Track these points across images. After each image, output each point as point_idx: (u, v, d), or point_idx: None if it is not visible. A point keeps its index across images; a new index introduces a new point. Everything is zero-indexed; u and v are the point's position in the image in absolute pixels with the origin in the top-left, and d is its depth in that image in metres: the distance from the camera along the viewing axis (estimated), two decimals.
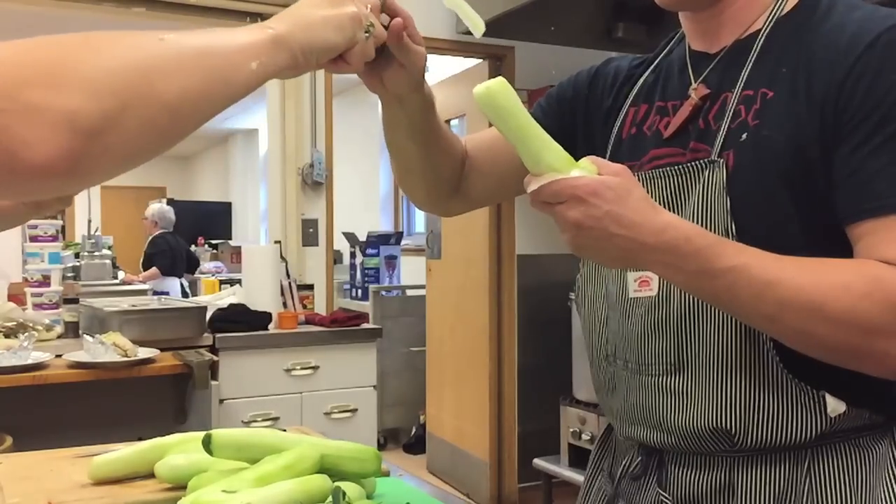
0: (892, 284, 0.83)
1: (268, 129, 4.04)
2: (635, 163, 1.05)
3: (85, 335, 2.88)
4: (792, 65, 0.93)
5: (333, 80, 3.99)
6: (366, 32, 0.89)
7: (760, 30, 0.98)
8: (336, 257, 4.88)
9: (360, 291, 5.59)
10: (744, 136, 0.94)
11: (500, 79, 0.86)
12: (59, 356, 2.79)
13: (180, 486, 1.16)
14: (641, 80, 1.12)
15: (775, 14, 0.98)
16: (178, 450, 1.23)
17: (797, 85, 0.92)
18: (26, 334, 2.79)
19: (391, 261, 5.59)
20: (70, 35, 0.58)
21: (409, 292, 5.47)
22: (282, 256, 3.68)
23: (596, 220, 0.82)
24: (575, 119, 1.20)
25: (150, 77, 0.59)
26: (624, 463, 1.09)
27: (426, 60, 1.03)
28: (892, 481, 0.93)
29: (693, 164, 0.97)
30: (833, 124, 0.89)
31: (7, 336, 2.88)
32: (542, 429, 3.88)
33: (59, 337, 3.09)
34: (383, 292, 5.35)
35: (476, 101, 0.86)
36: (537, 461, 3.67)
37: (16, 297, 3.23)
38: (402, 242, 6.00)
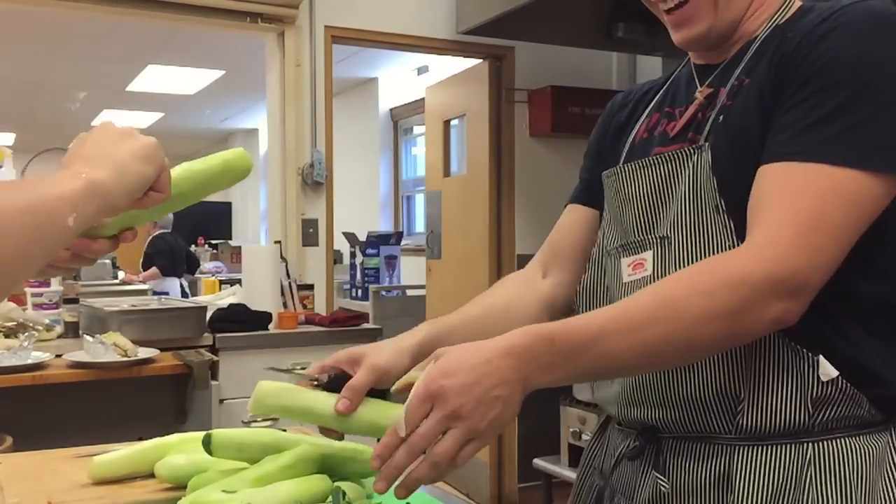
0: (728, 268, 0.87)
1: (268, 129, 4.04)
2: (638, 160, 1.09)
3: (85, 335, 2.88)
4: (770, 55, 0.99)
5: (333, 81, 3.99)
6: None
7: (758, 36, 1.04)
8: (336, 257, 4.88)
9: (360, 291, 5.59)
10: (720, 117, 0.99)
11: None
12: (59, 356, 2.78)
13: (180, 486, 1.16)
14: (658, 95, 1.17)
15: (775, 21, 1.04)
16: (178, 450, 1.23)
17: (766, 67, 0.98)
18: (26, 334, 2.79)
19: (391, 261, 5.59)
20: None
21: (409, 292, 5.47)
22: (282, 256, 3.67)
23: (461, 399, 0.82)
24: (610, 154, 1.21)
25: None
26: (620, 450, 1.09)
27: None
28: (891, 475, 0.94)
29: (681, 150, 1.01)
30: (779, 86, 0.94)
31: (7, 336, 2.88)
32: (542, 429, 3.88)
33: (59, 337, 3.09)
34: (383, 292, 5.35)
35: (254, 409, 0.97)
36: (537, 461, 3.67)
37: (16, 297, 3.23)
38: (402, 242, 6.00)
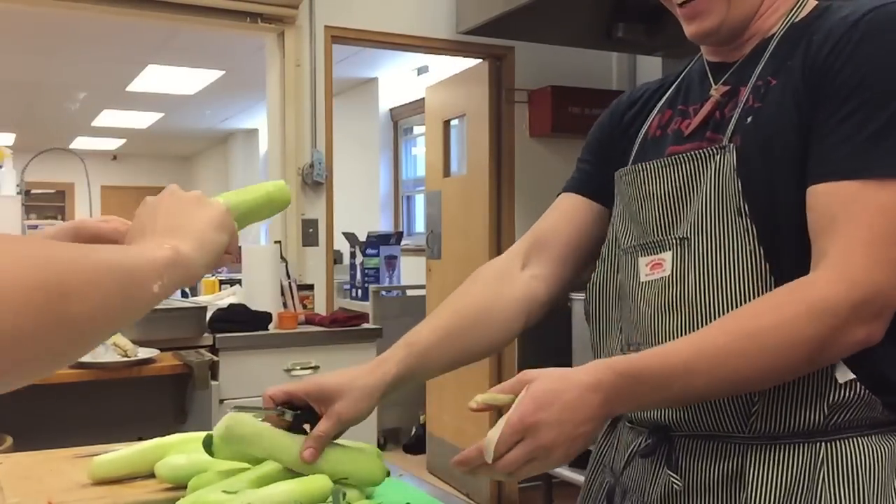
0: (809, 296, 0.87)
1: (268, 129, 4.04)
2: (657, 159, 1.08)
3: None
4: (794, 56, 0.98)
5: (333, 81, 3.99)
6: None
7: (775, 34, 1.04)
8: (336, 257, 4.88)
9: (360, 291, 5.59)
10: (748, 119, 0.99)
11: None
12: None
13: (180, 486, 1.16)
14: (668, 92, 1.17)
15: (790, 20, 1.04)
16: (178, 450, 1.23)
17: (795, 69, 0.97)
18: None
19: (391, 261, 5.58)
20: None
21: (409, 292, 5.47)
22: (282, 256, 3.67)
23: (552, 434, 0.84)
24: (610, 155, 1.21)
25: (55, 298, 0.55)
26: (631, 448, 1.09)
27: (346, 415, 1.05)
28: None
29: (703, 150, 1.01)
30: (815, 97, 0.93)
31: None
32: None
33: None
34: (383, 292, 5.35)
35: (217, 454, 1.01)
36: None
37: None
38: (402, 242, 5.99)
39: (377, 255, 5.55)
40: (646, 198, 1.07)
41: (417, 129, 6.94)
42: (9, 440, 2.40)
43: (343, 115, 5.83)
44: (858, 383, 0.92)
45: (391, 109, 7.20)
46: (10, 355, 0.52)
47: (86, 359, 2.71)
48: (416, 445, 5.19)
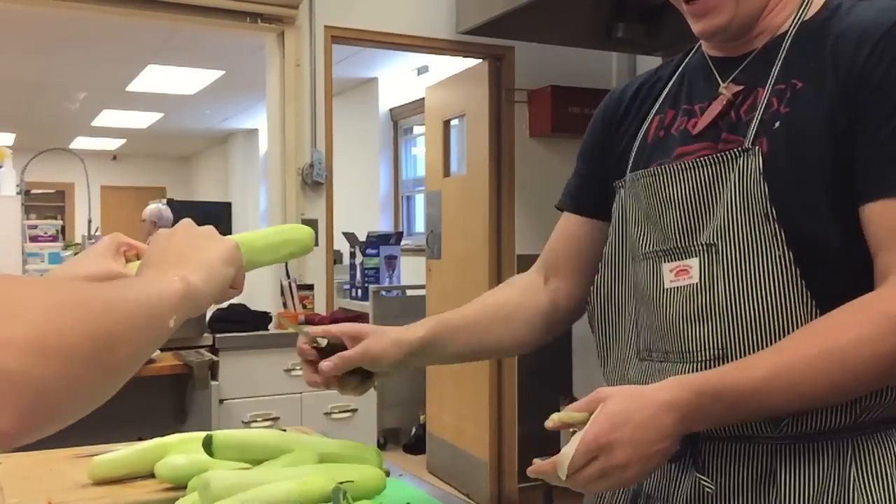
0: (889, 311, 0.87)
1: (268, 129, 4.04)
2: (663, 161, 1.07)
3: None
4: (818, 58, 0.97)
5: (333, 81, 3.99)
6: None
7: (787, 32, 1.02)
8: (336, 257, 4.88)
9: (360, 291, 5.59)
10: (776, 124, 0.97)
11: None
12: None
13: (180, 486, 1.16)
14: (666, 89, 1.15)
15: (800, 18, 1.03)
16: (178, 450, 1.23)
17: (825, 73, 0.95)
18: None
19: (391, 261, 5.58)
20: (31, 283, 0.56)
21: (409, 292, 5.47)
22: None
23: (626, 453, 0.84)
24: (606, 162, 1.20)
25: (97, 341, 0.56)
26: None
27: (380, 354, 1.12)
28: None
29: (727, 153, 0.99)
30: (857, 107, 0.92)
31: None
32: (542, 429, 3.87)
33: None
34: (383, 292, 5.35)
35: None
36: (537, 461, 3.67)
37: None
38: (402, 242, 5.99)
39: (377, 255, 5.54)
40: (666, 202, 1.05)
41: (417, 129, 6.93)
42: None
43: (343, 115, 5.82)
44: (890, 387, 0.93)
45: (391, 109, 7.19)
46: (56, 403, 0.53)
47: None
48: (416, 445, 5.19)
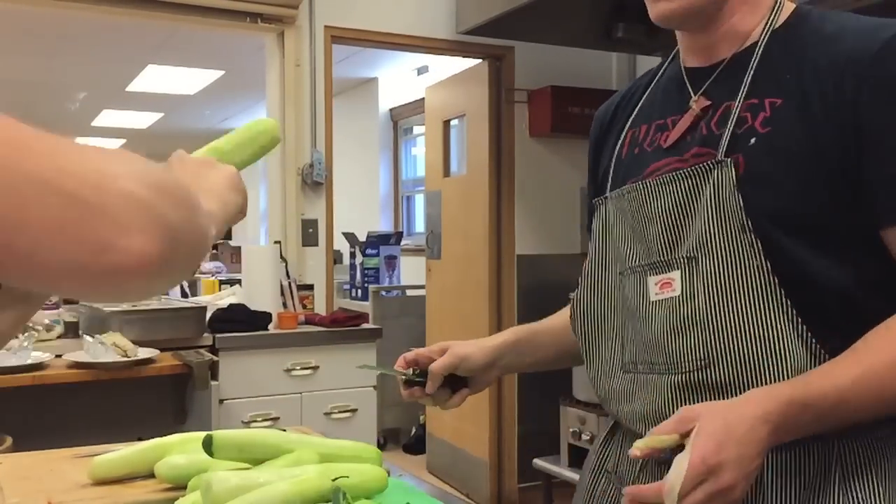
0: None
1: None
2: (637, 178, 1.09)
3: (85, 335, 2.88)
4: (794, 72, 0.98)
5: (333, 81, 3.99)
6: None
7: (757, 42, 1.03)
8: (336, 257, 4.88)
9: (360, 291, 5.59)
10: (752, 140, 0.98)
11: None
12: (59, 356, 2.79)
13: (180, 486, 1.16)
14: (640, 102, 1.16)
15: (770, 26, 1.03)
16: (178, 450, 1.23)
17: (807, 93, 0.96)
18: (26, 334, 2.79)
19: (391, 261, 5.58)
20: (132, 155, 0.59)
21: (409, 292, 5.47)
22: (282, 256, 3.67)
23: (734, 473, 0.84)
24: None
25: (196, 210, 0.60)
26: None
27: (479, 365, 1.26)
28: None
29: (701, 166, 1.00)
30: (855, 133, 0.93)
31: None
32: (542, 429, 3.88)
33: (59, 337, 3.09)
34: (383, 292, 5.35)
35: None
36: (537, 461, 3.67)
37: None
38: (402, 242, 5.99)
39: (377, 255, 5.55)
40: (648, 217, 1.06)
41: (417, 129, 6.93)
42: (9, 440, 2.40)
43: (343, 115, 5.82)
44: None
45: (391, 109, 7.20)
46: (178, 239, 0.55)
47: (86, 359, 2.72)
48: (416, 445, 5.19)
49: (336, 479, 1.06)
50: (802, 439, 0.95)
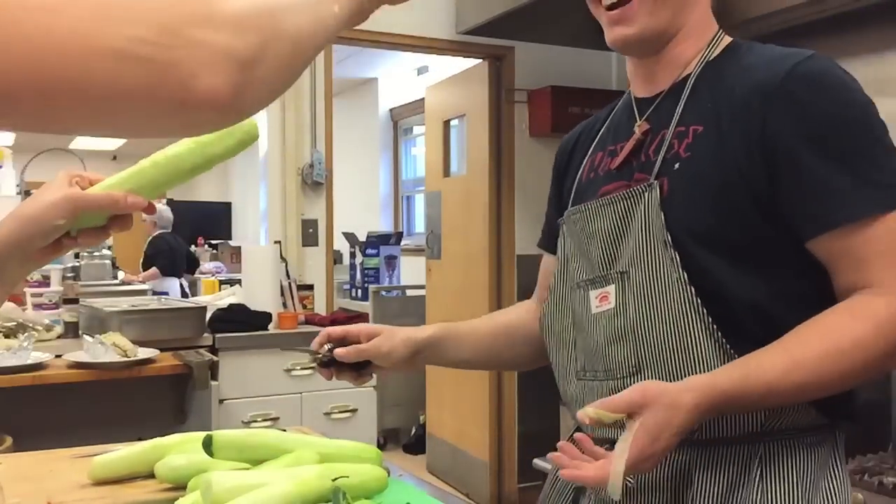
0: (879, 315, 0.96)
1: (268, 129, 4.04)
2: (591, 200, 1.18)
3: (85, 335, 2.88)
4: (715, 100, 1.07)
5: (333, 81, 3.99)
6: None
7: (692, 73, 1.12)
8: (336, 257, 4.88)
9: (360, 291, 5.59)
10: (676, 165, 1.07)
11: None
12: (58, 356, 2.78)
13: (180, 486, 1.16)
14: (600, 132, 1.25)
15: (705, 58, 1.12)
16: (178, 450, 1.23)
17: (722, 120, 1.05)
18: (26, 334, 2.79)
19: (391, 261, 5.59)
20: None
21: (409, 292, 5.47)
22: (282, 256, 3.68)
23: (658, 460, 0.94)
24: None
25: (276, 15, 0.62)
26: None
27: (387, 348, 1.27)
28: (832, 478, 1.05)
29: (634, 189, 1.10)
30: (765, 155, 1.01)
31: (7, 336, 2.88)
32: (542, 429, 3.88)
33: (58, 337, 3.09)
34: (383, 292, 5.35)
35: None
36: (537, 461, 3.67)
37: (15, 297, 3.23)
38: (402, 242, 6.00)
39: (377, 255, 5.55)
40: (591, 236, 1.16)
41: (417, 129, 6.94)
42: (9, 440, 2.40)
43: (343, 115, 5.83)
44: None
45: (391, 109, 7.20)
46: (262, 64, 0.59)
47: (86, 359, 2.72)
48: (416, 445, 5.20)
49: (336, 479, 1.06)
50: (728, 441, 1.03)
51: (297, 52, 0.64)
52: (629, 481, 1.04)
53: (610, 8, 1.11)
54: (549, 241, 1.37)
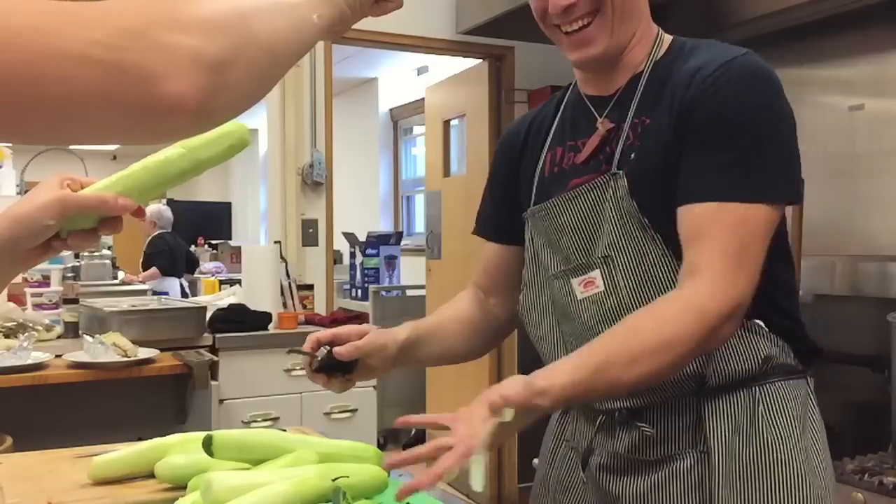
0: (691, 305, 1.05)
1: (268, 129, 4.04)
2: (562, 193, 1.23)
3: (85, 335, 2.88)
4: (660, 95, 1.16)
5: (333, 81, 3.99)
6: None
7: (643, 71, 1.20)
8: (336, 257, 4.88)
9: (360, 291, 5.59)
10: (632, 155, 1.16)
11: None
12: (58, 356, 2.78)
13: (180, 486, 1.16)
14: (553, 127, 1.31)
15: (653, 57, 1.21)
16: (178, 450, 1.23)
17: (664, 111, 1.14)
18: (26, 334, 2.79)
19: (391, 261, 5.59)
20: None
21: (409, 292, 5.47)
22: (282, 256, 3.68)
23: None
24: (515, 195, 1.35)
25: (249, 19, 0.61)
26: (599, 420, 1.26)
27: (373, 345, 1.27)
28: (813, 413, 1.20)
29: (598, 180, 1.17)
30: (684, 139, 1.11)
31: (7, 336, 2.88)
32: (543, 429, 3.88)
33: (58, 337, 3.09)
34: (383, 292, 5.35)
35: None
36: (537, 461, 3.67)
37: (16, 297, 3.23)
38: (402, 242, 6.00)
39: (377, 255, 5.55)
40: (561, 229, 1.22)
41: (417, 129, 6.94)
42: (9, 440, 2.40)
43: (343, 115, 5.83)
44: (779, 337, 1.17)
45: (391, 109, 7.20)
46: (231, 69, 0.59)
47: (86, 359, 2.72)
48: (415, 445, 5.19)
49: (336, 479, 1.06)
50: (732, 386, 1.15)
51: (272, 58, 0.64)
52: (647, 430, 1.17)
53: (569, 33, 1.19)
54: (489, 229, 1.43)
